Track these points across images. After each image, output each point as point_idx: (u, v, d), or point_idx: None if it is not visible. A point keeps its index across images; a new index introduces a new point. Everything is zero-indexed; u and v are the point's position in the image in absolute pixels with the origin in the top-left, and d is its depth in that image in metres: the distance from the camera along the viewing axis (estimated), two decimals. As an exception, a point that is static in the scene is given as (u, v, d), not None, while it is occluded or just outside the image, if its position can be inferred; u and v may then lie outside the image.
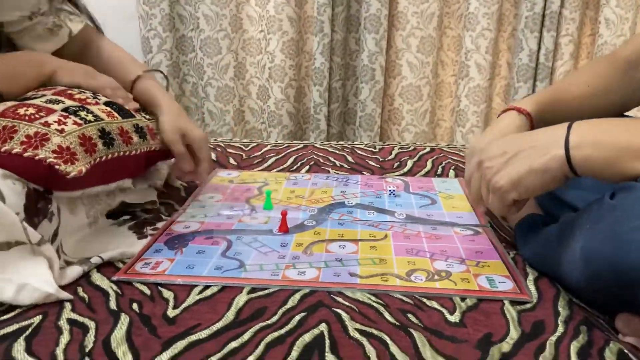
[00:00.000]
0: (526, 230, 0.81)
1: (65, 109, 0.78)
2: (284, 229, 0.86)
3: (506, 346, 0.57)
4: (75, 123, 0.76)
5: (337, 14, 1.95)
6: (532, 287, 0.70)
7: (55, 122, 0.74)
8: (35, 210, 0.69)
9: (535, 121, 0.82)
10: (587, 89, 0.86)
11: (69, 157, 0.71)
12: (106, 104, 0.85)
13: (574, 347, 0.57)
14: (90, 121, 0.78)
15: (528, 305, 0.65)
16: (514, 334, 0.59)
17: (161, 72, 1.16)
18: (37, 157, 0.69)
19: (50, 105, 0.77)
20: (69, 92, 0.83)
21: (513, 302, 0.66)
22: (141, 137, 0.87)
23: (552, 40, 1.91)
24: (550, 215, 0.83)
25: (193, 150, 0.93)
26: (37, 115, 0.74)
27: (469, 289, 0.68)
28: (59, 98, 0.80)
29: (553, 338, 0.59)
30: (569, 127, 0.64)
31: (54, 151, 0.70)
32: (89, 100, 0.83)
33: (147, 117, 0.92)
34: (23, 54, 0.85)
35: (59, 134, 0.72)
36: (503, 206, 0.70)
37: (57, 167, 0.69)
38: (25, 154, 0.69)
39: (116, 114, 0.84)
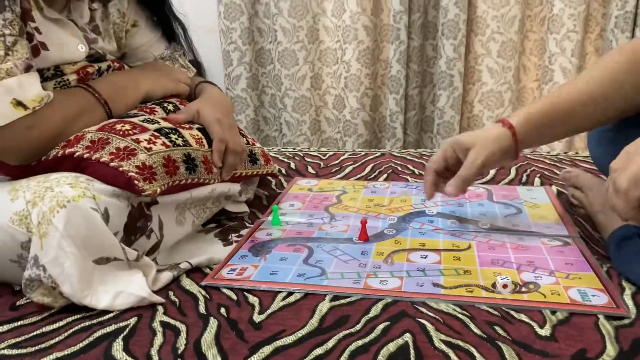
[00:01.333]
0: (620, 242, 0.76)
1: (159, 130, 0.82)
2: (364, 237, 0.86)
3: (603, 363, 0.54)
4: (164, 144, 0.80)
5: (413, 20, 1.93)
6: (629, 302, 0.66)
7: (145, 140, 0.79)
8: (134, 229, 0.74)
9: (521, 132, 0.80)
10: (593, 89, 0.79)
11: (149, 176, 0.75)
12: (200, 130, 0.89)
13: (680, 367, 0.53)
14: (178, 145, 0.82)
15: (626, 321, 0.62)
16: (611, 351, 0.56)
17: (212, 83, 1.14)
18: (120, 169, 0.73)
19: (145, 124, 0.82)
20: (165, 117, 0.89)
21: (608, 317, 0.62)
22: (220, 168, 0.90)
23: (645, 40, 1.80)
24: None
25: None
26: (130, 132, 0.79)
27: (560, 302, 0.65)
28: (156, 119, 0.85)
29: (656, 357, 0.55)
30: None
31: (137, 166, 0.74)
32: (183, 125, 0.88)
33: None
34: (121, 74, 0.91)
35: (146, 152, 0.77)
36: (628, 208, 0.64)
37: (135, 181, 0.73)
38: (111, 164, 0.73)
39: (205, 142, 0.88)
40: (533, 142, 0.84)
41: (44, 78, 0.80)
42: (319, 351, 0.57)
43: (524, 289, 0.69)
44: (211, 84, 1.05)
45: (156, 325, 0.63)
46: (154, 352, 0.58)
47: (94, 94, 0.83)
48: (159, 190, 0.76)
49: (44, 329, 0.63)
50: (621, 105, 0.80)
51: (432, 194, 0.87)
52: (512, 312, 0.64)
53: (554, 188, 1.08)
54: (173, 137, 0.83)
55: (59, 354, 0.58)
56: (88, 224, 0.66)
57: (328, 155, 1.40)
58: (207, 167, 0.86)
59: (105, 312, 0.66)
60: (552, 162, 1.26)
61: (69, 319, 0.65)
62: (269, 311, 0.66)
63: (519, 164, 1.25)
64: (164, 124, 0.85)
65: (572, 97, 0.80)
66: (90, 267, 0.67)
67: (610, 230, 0.80)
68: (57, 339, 0.61)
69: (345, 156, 1.38)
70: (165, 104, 0.93)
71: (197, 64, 1.12)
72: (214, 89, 1.03)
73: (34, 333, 0.62)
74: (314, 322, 0.63)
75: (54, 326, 0.64)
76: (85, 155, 0.74)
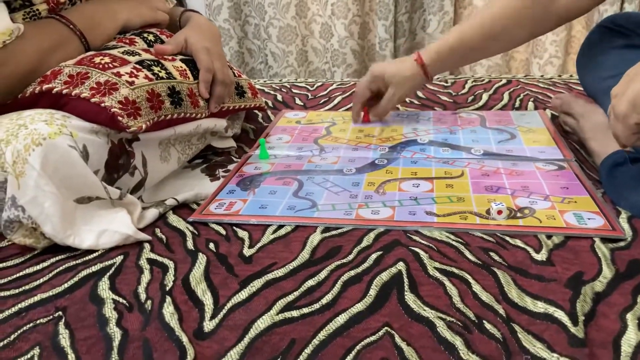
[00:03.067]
0: (612, 168, 0.74)
1: (140, 62, 0.78)
2: (367, 119, 1.04)
3: (599, 285, 0.54)
4: (146, 77, 0.76)
5: (402, -59, 1.84)
6: (625, 225, 0.65)
7: (127, 73, 0.74)
8: (116, 166, 0.71)
9: (433, 69, 0.95)
10: (491, 28, 0.91)
11: (133, 111, 0.71)
12: (183, 61, 0.84)
13: (676, 286, 0.52)
14: (162, 78, 0.78)
15: (622, 244, 0.61)
16: (607, 272, 0.55)
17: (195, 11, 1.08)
18: (102, 104, 0.69)
19: (125, 57, 0.78)
20: (146, 48, 0.83)
21: (605, 240, 0.61)
22: (207, 101, 0.86)
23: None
24: (638, 152, 0.76)
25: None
26: (111, 65, 0.74)
27: (556, 226, 0.64)
28: (137, 50, 0.80)
29: (652, 277, 0.54)
30: None
31: (120, 102, 0.70)
32: (165, 57, 0.83)
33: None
34: (96, 4, 0.85)
35: (128, 86, 0.72)
36: (628, 133, 0.63)
37: (119, 118, 0.69)
38: (92, 99, 0.69)
39: (190, 74, 0.83)
40: (443, 71, 1.02)
41: (11, 9, 0.74)
42: (310, 282, 0.56)
43: (519, 214, 0.67)
44: (197, 12, 1.00)
45: (143, 262, 0.62)
46: (141, 289, 0.57)
47: (69, 25, 0.78)
48: (144, 126, 0.72)
49: (27, 271, 0.61)
50: (522, 36, 0.94)
51: (358, 120, 1.04)
52: (507, 238, 0.63)
53: (548, 112, 1.05)
54: (156, 69, 0.79)
55: (44, 295, 0.56)
56: (66, 162, 0.63)
57: (316, 86, 1.36)
58: (193, 101, 0.82)
59: (90, 251, 0.64)
60: (546, 86, 1.23)
61: (53, 260, 0.63)
62: (259, 245, 0.64)
63: (512, 89, 1.21)
64: (145, 55, 0.80)
65: (476, 32, 0.92)
66: (71, 206, 0.65)
67: (602, 157, 0.78)
68: (41, 280, 0.59)
69: (334, 86, 1.34)
70: (145, 34, 0.88)
71: None
72: (201, 17, 0.97)
73: (17, 275, 0.61)
74: (305, 254, 0.62)
75: (38, 267, 0.62)
76: (65, 91, 0.70)
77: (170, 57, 0.84)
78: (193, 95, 0.83)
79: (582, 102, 0.93)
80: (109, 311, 0.53)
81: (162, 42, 0.88)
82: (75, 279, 0.59)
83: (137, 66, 0.77)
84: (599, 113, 0.87)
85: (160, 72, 0.79)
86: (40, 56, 0.73)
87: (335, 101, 1.22)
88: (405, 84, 0.96)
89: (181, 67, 0.83)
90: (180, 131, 0.81)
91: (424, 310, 0.51)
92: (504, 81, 1.28)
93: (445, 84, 1.29)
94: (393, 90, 0.96)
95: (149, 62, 0.79)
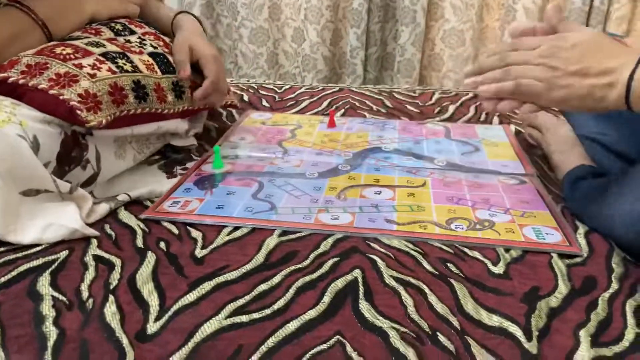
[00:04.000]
0: (575, 182, 0.75)
1: (104, 54, 0.74)
2: (332, 124, 1.03)
3: (555, 301, 0.53)
4: (109, 70, 0.73)
5: (378, -49, 1.84)
6: (582, 241, 0.65)
7: (89, 65, 0.71)
8: (68, 158, 0.67)
9: None
10: None
11: (93, 105, 0.68)
12: (151, 55, 0.82)
13: (629, 305, 0.52)
14: (127, 71, 0.75)
15: (578, 260, 0.61)
16: (562, 288, 0.55)
17: (193, 15, 1.03)
18: (61, 97, 0.66)
19: (89, 48, 0.74)
20: (113, 38, 0.80)
21: (562, 256, 0.61)
22: (177, 97, 0.83)
23: (609, -19, 1.77)
24: (601, 167, 0.77)
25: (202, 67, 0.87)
26: (72, 56, 0.71)
27: (514, 240, 0.64)
28: (102, 42, 0.77)
29: (606, 295, 0.54)
30: None
31: (79, 95, 0.67)
32: (132, 48, 0.80)
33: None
34: None
35: (89, 78, 0.69)
36: (545, 76, 0.62)
37: (78, 111, 0.66)
38: (51, 91, 0.66)
39: (157, 68, 0.81)
40: None
41: None
42: (263, 287, 0.54)
43: (478, 226, 0.67)
44: (186, 13, 0.96)
45: (88, 259, 0.58)
46: (84, 287, 0.54)
47: (30, 14, 0.74)
48: (104, 121, 0.69)
49: (-38, 263, 0.57)
50: None
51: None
52: (466, 250, 0.62)
53: (513, 127, 1.06)
54: (120, 62, 0.75)
55: (-23, 289, 0.53)
56: (14, 152, 0.59)
57: (284, 88, 1.34)
58: (159, 96, 0.79)
59: (33, 245, 0.61)
60: (512, 102, 1.24)
61: (-9, 252, 0.59)
62: (212, 246, 0.62)
63: (478, 102, 1.22)
64: (110, 47, 0.77)
65: None
66: (16, 199, 0.61)
67: (565, 170, 0.79)
68: (-25, 273, 0.55)
69: (302, 90, 1.32)
70: (113, 24, 0.84)
71: None
72: (194, 20, 0.94)
73: (-50, 267, 0.57)
74: (260, 258, 0.60)
75: (-26, 259, 0.58)
76: (21, 81, 0.66)
77: (138, 50, 0.80)
78: (160, 89, 0.80)
79: (550, 116, 0.94)
80: (47, 308, 0.50)
81: (132, 31, 0.85)
82: (14, 273, 0.55)
83: (101, 58, 0.74)
84: (564, 126, 0.88)
85: (125, 64, 0.76)
86: None
87: (303, 104, 1.20)
88: None
89: (148, 60, 0.80)
90: (139, 131, 0.78)
91: (378, 319, 0.50)
92: (470, 95, 1.29)
93: (413, 94, 1.29)
94: None
95: (113, 54, 0.76)
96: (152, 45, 0.84)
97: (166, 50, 0.86)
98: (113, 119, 0.71)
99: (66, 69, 0.69)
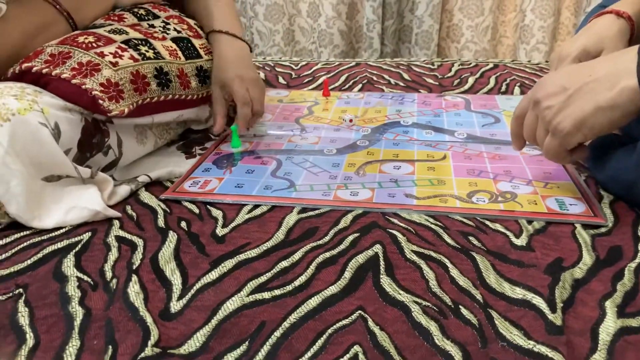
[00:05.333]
0: (600, 151, 0.73)
1: (126, 42, 0.74)
2: (327, 93, 1.04)
3: (579, 272, 0.52)
4: (131, 58, 0.72)
5: None
6: (607, 211, 0.63)
7: (111, 53, 0.71)
8: (90, 145, 0.68)
9: (638, 25, 0.70)
10: None
11: (115, 94, 0.68)
12: (174, 40, 0.81)
13: (657, 274, 0.51)
14: (149, 58, 0.75)
15: (603, 230, 0.60)
16: (587, 259, 0.54)
17: (239, 37, 0.92)
18: (83, 86, 0.66)
19: (111, 35, 0.74)
20: (137, 23, 0.80)
21: (586, 226, 0.60)
22: (201, 82, 0.83)
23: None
24: (628, 135, 0.75)
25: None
26: (94, 44, 0.71)
27: (537, 211, 0.63)
28: (124, 29, 0.77)
29: (632, 265, 0.53)
30: None
31: (101, 84, 0.67)
32: (155, 35, 0.79)
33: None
34: None
35: (111, 67, 0.69)
36: (563, 152, 0.60)
37: (100, 101, 0.66)
38: (73, 81, 0.66)
39: (180, 54, 0.80)
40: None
41: None
42: (284, 264, 0.54)
43: (500, 199, 0.66)
44: (223, 33, 0.88)
45: (111, 240, 0.59)
46: (107, 267, 0.54)
47: (54, 4, 0.73)
48: (126, 110, 0.69)
49: (-11, 246, 0.59)
50: None
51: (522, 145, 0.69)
52: (487, 222, 0.61)
53: (534, 97, 1.04)
54: (143, 49, 0.75)
55: (5, 272, 0.54)
56: (36, 139, 0.60)
57: (300, 65, 1.33)
58: (182, 82, 0.79)
59: (57, 227, 0.62)
60: (533, 71, 1.21)
61: (18, 235, 0.60)
62: (232, 224, 0.62)
63: (498, 73, 1.20)
64: (133, 34, 0.76)
65: None
66: (38, 185, 0.61)
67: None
68: (3, 256, 0.56)
69: (319, 66, 1.31)
70: (136, 9, 0.84)
71: None
72: (225, 43, 0.87)
73: (-22, 250, 0.58)
74: (280, 235, 0.60)
75: (1, 242, 0.59)
76: (45, 71, 0.66)
77: (160, 36, 0.80)
78: (183, 75, 0.79)
79: None
80: (72, 289, 0.51)
81: (155, 16, 0.84)
82: (39, 255, 0.56)
83: (123, 45, 0.73)
84: None
85: (148, 52, 0.75)
86: (25, 39, 0.69)
87: (320, 81, 1.19)
88: (619, 45, 0.70)
89: (171, 46, 0.80)
90: (159, 120, 0.78)
91: (399, 294, 0.50)
92: (490, 65, 1.26)
93: (432, 67, 1.27)
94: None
95: (136, 42, 0.75)
96: (175, 30, 0.84)
97: (190, 33, 0.85)
98: (135, 107, 0.71)
99: (88, 58, 0.69)
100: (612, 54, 0.58)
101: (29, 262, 0.55)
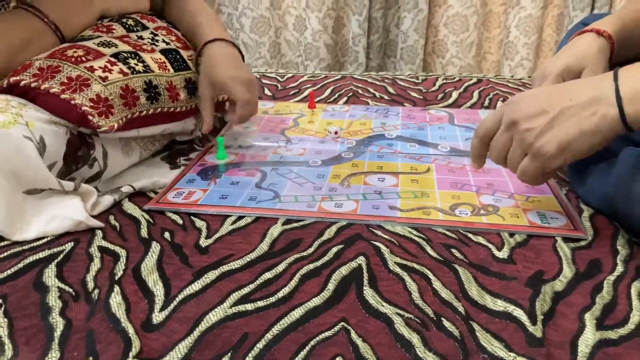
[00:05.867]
0: (580, 165, 0.74)
1: (115, 55, 0.74)
2: (312, 105, 1.06)
3: (559, 284, 0.53)
4: (121, 72, 0.72)
5: (379, -64, 1.82)
6: (587, 224, 0.64)
7: (100, 67, 0.71)
8: (75, 158, 0.67)
9: (618, 44, 0.72)
10: None
11: (105, 110, 0.68)
12: (163, 51, 0.81)
13: (635, 288, 0.52)
14: (138, 71, 0.75)
15: (583, 243, 0.61)
16: (567, 272, 0.55)
17: (234, 44, 0.93)
18: (73, 102, 0.66)
19: (100, 49, 0.74)
20: (125, 35, 0.80)
21: (566, 239, 0.61)
22: (190, 94, 0.83)
23: (614, -38, 1.75)
24: (607, 150, 0.77)
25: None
26: (83, 58, 0.70)
27: (518, 225, 0.64)
28: (113, 41, 0.76)
29: (611, 278, 0.54)
30: (616, 77, 0.55)
31: (91, 99, 0.67)
32: (144, 47, 0.79)
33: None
34: None
35: (100, 82, 0.69)
36: (542, 174, 0.60)
37: (90, 117, 0.66)
38: (62, 96, 0.65)
39: (169, 66, 0.80)
40: (624, 47, 0.74)
41: None
42: (267, 275, 0.54)
43: (482, 212, 0.67)
44: (215, 41, 0.87)
45: (93, 250, 0.59)
46: (89, 278, 0.54)
47: (42, 17, 0.73)
48: (116, 125, 0.69)
49: (-31, 256, 0.58)
50: None
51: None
52: (470, 235, 0.62)
53: (517, 112, 1.05)
54: (132, 62, 0.75)
55: (-16, 282, 0.53)
56: (20, 153, 0.59)
57: (286, 77, 1.34)
58: (171, 95, 0.79)
59: (37, 238, 0.61)
60: (515, 86, 1.23)
61: (-2, 245, 0.60)
62: (216, 235, 0.62)
63: (482, 88, 1.21)
64: (122, 46, 0.76)
65: None
66: (19, 198, 0.61)
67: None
68: (-18, 266, 0.56)
69: (305, 78, 1.32)
70: (124, 20, 0.84)
71: None
72: (216, 49, 0.86)
73: (-43, 260, 0.57)
74: (264, 246, 0.60)
75: (-20, 253, 0.58)
76: (33, 85, 0.65)
77: (149, 49, 0.80)
78: (172, 88, 0.79)
79: None
80: (53, 300, 0.51)
81: (144, 27, 0.84)
82: (20, 265, 0.56)
83: (112, 59, 0.73)
84: None
85: (137, 65, 0.75)
86: (11, 53, 0.69)
87: (305, 93, 1.20)
88: (600, 64, 0.71)
89: (160, 59, 0.80)
90: (144, 133, 0.78)
91: (382, 306, 0.50)
92: (474, 80, 1.28)
93: (416, 81, 1.29)
94: (590, 72, 0.71)
95: (125, 55, 0.75)
96: (164, 41, 0.84)
97: (178, 45, 0.86)
98: (125, 121, 0.71)
99: (78, 72, 0.68)
100: (592, 78, 0.59)
101: (9, 272, 0.55)
